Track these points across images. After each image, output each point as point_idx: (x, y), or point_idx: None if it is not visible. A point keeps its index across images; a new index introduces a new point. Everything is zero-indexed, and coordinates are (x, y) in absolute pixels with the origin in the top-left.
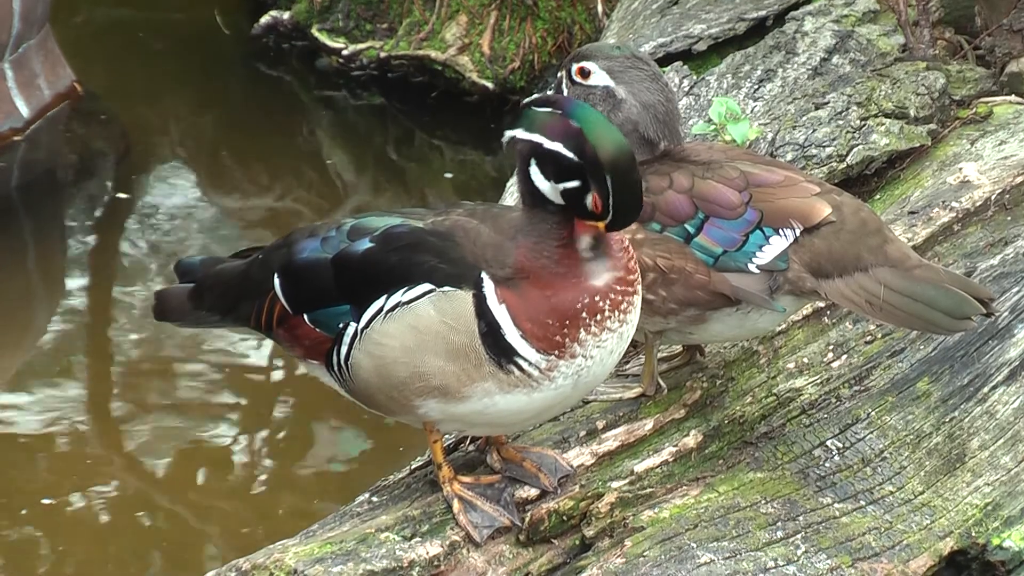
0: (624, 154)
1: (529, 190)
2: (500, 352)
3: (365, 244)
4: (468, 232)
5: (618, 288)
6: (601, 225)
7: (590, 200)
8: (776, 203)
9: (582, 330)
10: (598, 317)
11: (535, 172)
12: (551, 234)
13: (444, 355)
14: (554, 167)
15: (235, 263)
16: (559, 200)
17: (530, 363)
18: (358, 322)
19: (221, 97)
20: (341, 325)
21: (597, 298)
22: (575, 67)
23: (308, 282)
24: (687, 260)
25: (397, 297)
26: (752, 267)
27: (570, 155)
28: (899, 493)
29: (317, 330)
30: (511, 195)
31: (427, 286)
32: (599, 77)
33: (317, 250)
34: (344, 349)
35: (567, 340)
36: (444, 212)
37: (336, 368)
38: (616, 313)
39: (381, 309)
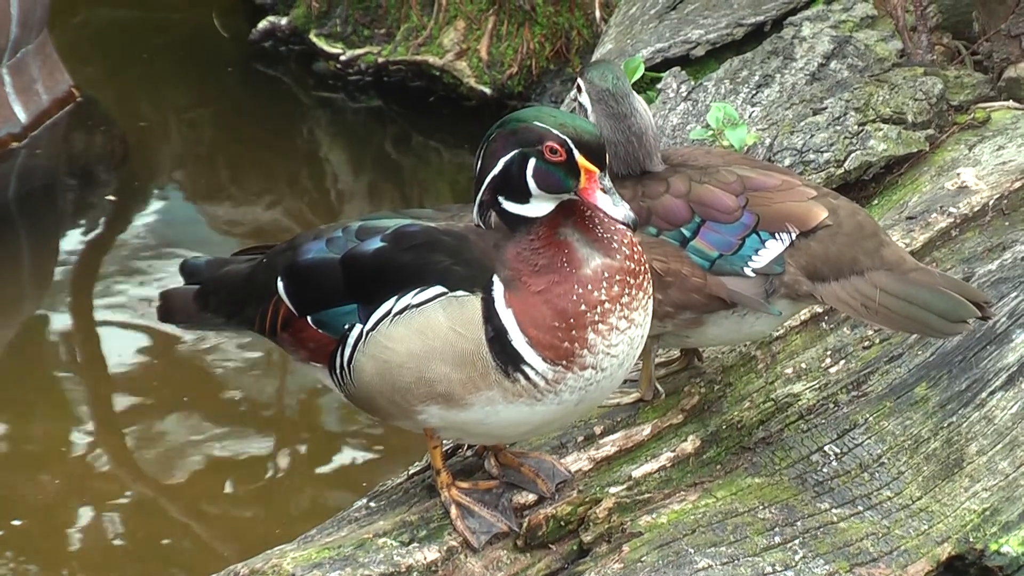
0: (525, 113)
1: (498, 215)
2: (507, 359)
3: (376, 243)
4: (482, 232)
5: (616, 277)
6: (593, 167)
7: (545, 151)
8: (772, 207)
9: (590, 331)
10: (599, 310)
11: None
12: (523, 231)
13: (451, 362)
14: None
15: (240, 266)
16: (562, 194)
17: (537, 372)
18: (364, 323)
19: (219, 100)
20: (346, 326)
21: (590, 287)
22: (580, 79)
23: (313, 282)
24: (683, 263)
25: (407, 299)
26: (748, 271)
27: (511, 158)
28: (897, 498)
29: (321, 332)
30: None
31: (439, 289)
32: (584, 98)
33: (322, 251)
34: (348, 351)
35: (575, 346)
36: (456, 214)
37: (338, 371)
38: (618, 307)
39: (389, 312)
